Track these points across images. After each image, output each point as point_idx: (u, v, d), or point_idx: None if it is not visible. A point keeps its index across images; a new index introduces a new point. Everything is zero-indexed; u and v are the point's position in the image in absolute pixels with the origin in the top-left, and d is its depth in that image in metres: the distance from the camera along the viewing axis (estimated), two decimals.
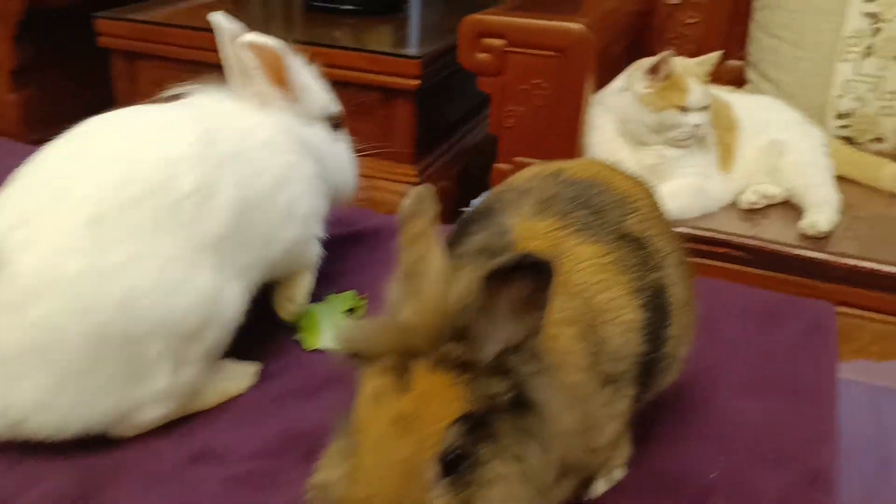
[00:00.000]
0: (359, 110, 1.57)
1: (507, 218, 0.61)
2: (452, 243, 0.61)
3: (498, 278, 0.47)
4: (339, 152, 0.96)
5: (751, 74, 1.84)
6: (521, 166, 1.53)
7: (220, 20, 0.86)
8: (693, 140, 1.43)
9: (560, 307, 0.55)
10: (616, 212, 0.63)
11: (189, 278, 0.70)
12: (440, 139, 1.70)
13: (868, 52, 1.69)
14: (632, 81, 1.45)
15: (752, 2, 1.83)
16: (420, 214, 0.53)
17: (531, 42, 1.39)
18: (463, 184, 1.77)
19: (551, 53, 1.39)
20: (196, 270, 0.71)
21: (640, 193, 0.67)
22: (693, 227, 1.41)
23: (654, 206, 0.68)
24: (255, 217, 0.78)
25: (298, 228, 0.85)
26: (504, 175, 1.57)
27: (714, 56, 1.39)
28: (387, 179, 1.58)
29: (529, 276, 0.47)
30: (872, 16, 1.68)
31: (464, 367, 0.48)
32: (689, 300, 0.67)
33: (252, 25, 0.86)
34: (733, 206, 1.50)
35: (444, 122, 1.72)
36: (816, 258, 1.35)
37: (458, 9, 2.05)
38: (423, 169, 1.60)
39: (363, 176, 1.62)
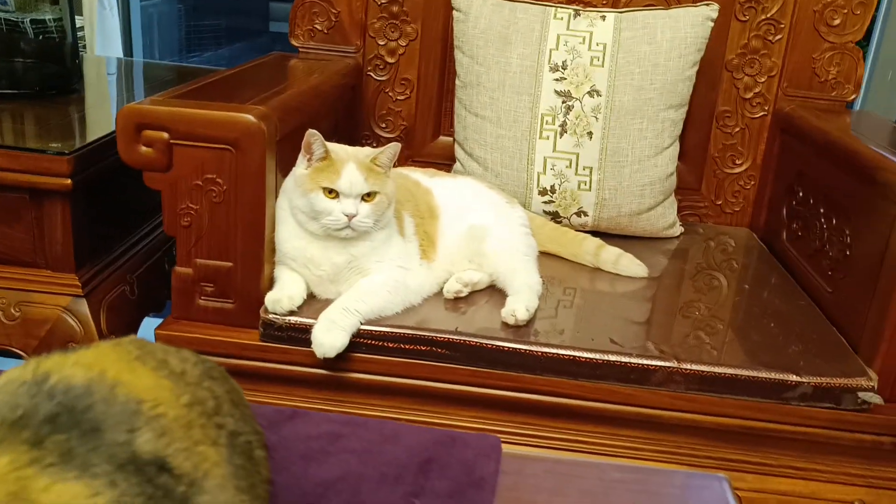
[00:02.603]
0: (5, 214, 1.32)
1: None
2: None
3: None
4: None
5: (458, 152, 1.82)
6: (203, 269, 1.37)
7: None
8: (351, 232, 1.29)
9: None
10: (120, 428, 0.47)
11: None
12: (113, 239, 1.49)
13: (563, 130, 1.72)
14: (297, 162, 1.32)
15: (454, 80, 1.82)
16: None
17: (198, 135, 1.24)
18: (151, 285, 1.56)
19: (222, 147, 1.25)
20: None
21: (171, 391, 0.51)
22: (394, 326, 1.32)
23: (193, 403, 0.53)
24: None
25: None
26: (185, 283, 1.40)
27: (389, 148, 1.30)
28: (43, 292, 1.34)
29: None
30: (564, 94, 1.71)
31: None
32: None
33: None
34: (440, 295, 1.44)
35: (118, 218, 1.50)
36: (518, 349, 1.31)
37: (169, 81, 1.84)
38: (89, 276, 1.37)
39: (12, 290, 1.40)
